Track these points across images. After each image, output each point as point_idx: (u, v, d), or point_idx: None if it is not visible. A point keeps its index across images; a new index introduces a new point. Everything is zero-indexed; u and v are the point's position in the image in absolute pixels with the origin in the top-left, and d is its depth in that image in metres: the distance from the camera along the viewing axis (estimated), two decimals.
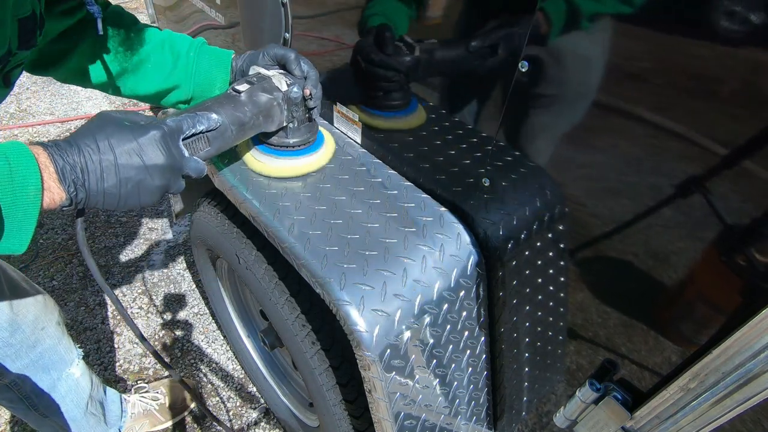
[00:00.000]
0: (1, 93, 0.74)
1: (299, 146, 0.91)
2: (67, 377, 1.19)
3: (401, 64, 0.87)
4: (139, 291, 2.02)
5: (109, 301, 1.97)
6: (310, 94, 0.85)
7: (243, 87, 0.80)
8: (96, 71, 0.89)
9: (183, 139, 0.69)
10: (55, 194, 0.59)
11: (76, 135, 0.62)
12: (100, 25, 0.80)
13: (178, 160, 0.67)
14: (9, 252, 0.59)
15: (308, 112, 0.88)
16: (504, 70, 0.70)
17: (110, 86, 0.92)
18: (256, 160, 0.93)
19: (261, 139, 0.91)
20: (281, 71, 0.86)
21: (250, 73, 0.87)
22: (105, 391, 1.38)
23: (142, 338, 0.81)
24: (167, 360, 1.78)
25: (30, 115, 2.98)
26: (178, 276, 2.10)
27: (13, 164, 0.55)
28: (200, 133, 0.72)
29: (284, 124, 0.87)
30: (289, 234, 0.82)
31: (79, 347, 1.24)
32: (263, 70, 0.86)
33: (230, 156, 0.98)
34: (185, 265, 2.16)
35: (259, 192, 0.91)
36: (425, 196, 0.92)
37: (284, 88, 0.83)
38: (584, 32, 0.59)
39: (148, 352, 1.80)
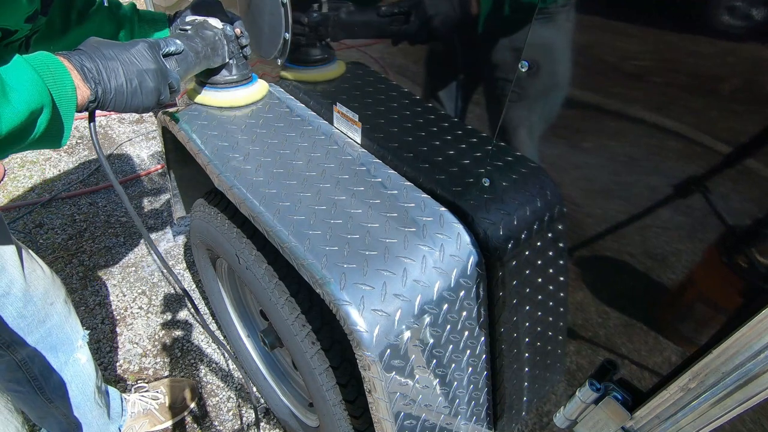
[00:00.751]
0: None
1: (241, 81, 1.12)
2: (74, 362, 1.20)
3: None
4: (139, 291, 2.02)
5: (108, 301, 1.97)
6: (241, 32, 1.04)
7: (189, 26, 0.97)
8: (56, 42, 0.99)
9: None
10: (83, 91, 0.72)
11: (83, 50, 0.76)
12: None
13: (164, 67, 0.83)
14: (55, 145, 0.72)
15: (242, 49, 1.07)
16: (504, 70, 0.70)
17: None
18: (209, 97, 1.13)
19: (206, 82, 1.10)
20: (212, 18, 1.03)
21: (186, 20, 1.03)
22: (106, 388, 1.38)
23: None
24: (167, 360, 1.78)
25: None
26: (178, 276, 2.10)
27: (52, 69, 0.68)
28: (172, 54, 0.88)
29: (227, 60, 1.05)
30: (289, 234, 0.82)
31: (85, 329, 1.25)
32: (198, 17, 1.02)
33: (187, 104, 1.16)
34: (185, 265, 2.16)
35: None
36: (425, 196, 0.92)
37: (220, 26, 1.01)
38: (584, 32, 0.59)
39: (148, 353, 1.80)
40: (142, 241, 2.25)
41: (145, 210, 2.42)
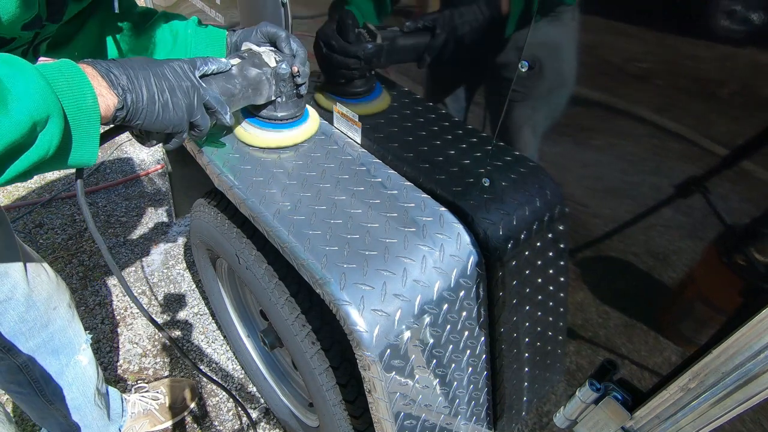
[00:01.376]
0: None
1: (287, 120, 0.98)
2: (75, 364, 1.20)
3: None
4: (139, 291, 2.02)
5: (108, 301, 1.97)
6: (298, 72, 0.90)
7: (234, 61, 0.85)
8: (107, 51, 0.94)
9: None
10: (108, 99, 0.65)
11: (110, 60, 0.69)
12: (116, 3, 0.84)
13: (197, 84, 0.75)
14: (82, 163, 0.64)
15: (296, 88, 0.93)
16: (504, 70, 0.70)
17: None
18: (246, 131, 1.00)
19: (251, 112, 0.97)
20: (272, 48, 0.91)
21: (242, 48, 0.92)
22: (107, 389, 1.38)
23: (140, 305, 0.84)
24: (167, 360, 1.78)
25: None
26: (178, 276, 2.10)
27: (67, 75, 0.60)
28: (211, 74, 0.80)
29: (272, 99, 0.93)
30: (289, 234, 0.83)
31: (88, 333, 1.25)
32: (254, 47, 0.90)
33: (221, 129, 1.04)
34: (185, 265, 2.16)
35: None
36: (425, 196, 0.92)
37: (273, 64, 0.89)
38: (584, 32, 0.59)
39: (147, 353, 1.80)
40: (142, 241, 2.25)
41: (146, 210, 2.42)
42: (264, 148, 1.00)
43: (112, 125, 0.71)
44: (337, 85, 1.03)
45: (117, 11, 0.85)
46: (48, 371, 1.14)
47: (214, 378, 1.19)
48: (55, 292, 1.12)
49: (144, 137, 0.78)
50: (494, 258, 0.84)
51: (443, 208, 0.89)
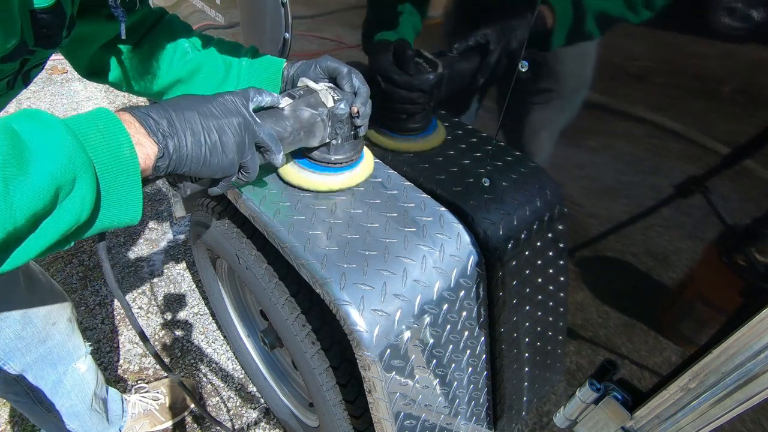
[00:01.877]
0: (17, 90, 0.73)
1: (340, 163, 0.86)
2: (73, 372, 1.19)
3: (423, 82, 0.84)
4: (139, 291, 2.02)
5: (108, 301, 1.97)
6: (358, 112, 0.79)
7: (286, 100, 0.76)
8: (154, 81, 0.88)
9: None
10: (147, 148, 0.57)
11: (152, 105, 0.62)
12: (123, 30, 0.76)
13: (250, 120, 0.66)
14: (125, 223, 0.57)
15: (354, 129, 0.83)
16: (504, 70, 0.70)
17: (160, 95, 0.91)
18: (295, 173, 0.88)
19: (303, 152, 0.87)
20: (330, 85, 0.81)
21: (299, 84, 0.82)
22: (107, 391, 1.38)
23: (144, 338, 0.81)
24: (167, 360, 1.78)
25: None
26: (178, 276, 2.10)
27: (101, 126, 0.53)
28: (263, 108, 0.72)
29: (327, 141, 0.82)
30: (288, 234, 0.82)
31: (88, 344, 1.24)
32: (312, 83, 0.80)
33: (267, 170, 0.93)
34: (185, 265, 2.16)
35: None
36: (425, 196, 0.92)
37: (330, 104, 0.78)
38: (584, 32, 0.59)
39: (148, 352, 1.80)
40: (142, 241, 2.25)
41: (146, 210, 2.42)
42: (313, 191, 0.89)
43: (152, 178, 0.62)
44: (397, 122, 0.94)
45: (123, 37, 0.77)
46: (46, 381, 1.14)
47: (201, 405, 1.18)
48: (55, 308, 1.11)
49: (180, 185, 0.68)
50: (494, 258, 0.84)
51: (443, 208, 0.89)
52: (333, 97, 0.78)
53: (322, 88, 0.79)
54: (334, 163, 0.86)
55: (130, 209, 0.56)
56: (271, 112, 0.74)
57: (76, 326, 1.19)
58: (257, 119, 0.67)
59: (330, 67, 0.81)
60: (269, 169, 0.93)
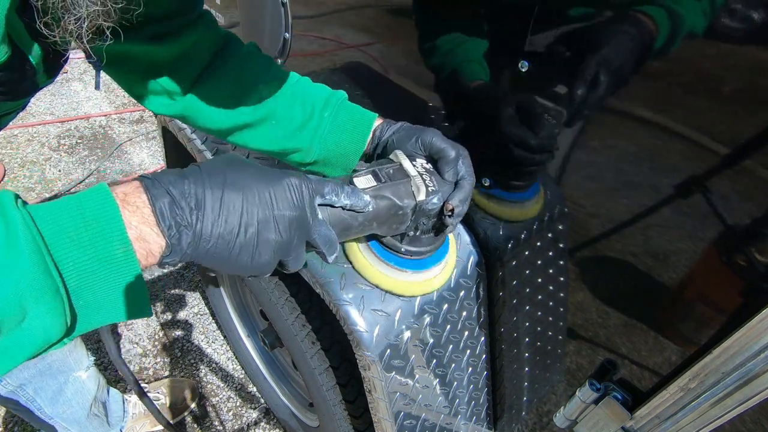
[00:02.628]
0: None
1: (413, 256, 0.69)
2: (74, 380, 1.19)
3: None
4: None
5: None
6: (452, 211, 0.62)
7: (368, 179, 0.60)
8: (214, 123, 0.73)
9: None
10: (152, 243, 0.44)
11: (194, 165, 0.49)
12: (99, 78, 0.61)
13: (309, 219, 0.51)
14: (130, 318, 0.46)
15: (444, 227, 0.66)
16: (504, 70, 0.70)
17: (221, 135, 0.76)
18: (364, 256, 0.73)
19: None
20: (428, 167, 0.66)
21: (391, 157, 0.66)
22: (108, 392, 1.38)
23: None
24: (167, 360, 1.78)
25: (30, 115, 2.99)
26: (178, 276, 2.10)
27: (88, 217, 0.41)
28: (337, 208, 0.55)
29: (405, 233, 0.66)
30: None
31: (91, 356, 1.24)
32: (407, 163, 0.64)
33: None
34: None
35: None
36: None
37: (421, 197, 0.61)
38: (584, 32, 0.59)
39: (148, 353, 1.80)
40: None
41: None
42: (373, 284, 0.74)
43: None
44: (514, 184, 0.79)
45: (98, 88, 0.62)
46: (46, 392, 1.14)
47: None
48: None
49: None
50: (494, 258, 0.84)
51: None
52: (427, 187, 0.62)
53: (417, 174, 0.63)
54: (403, 255, 0.69)
55: (129, 308, 0.45)
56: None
57: (79, 340, 1.19)
58: (319, 214, 0.53)
59: (435, 146, 0.66)
60: None
